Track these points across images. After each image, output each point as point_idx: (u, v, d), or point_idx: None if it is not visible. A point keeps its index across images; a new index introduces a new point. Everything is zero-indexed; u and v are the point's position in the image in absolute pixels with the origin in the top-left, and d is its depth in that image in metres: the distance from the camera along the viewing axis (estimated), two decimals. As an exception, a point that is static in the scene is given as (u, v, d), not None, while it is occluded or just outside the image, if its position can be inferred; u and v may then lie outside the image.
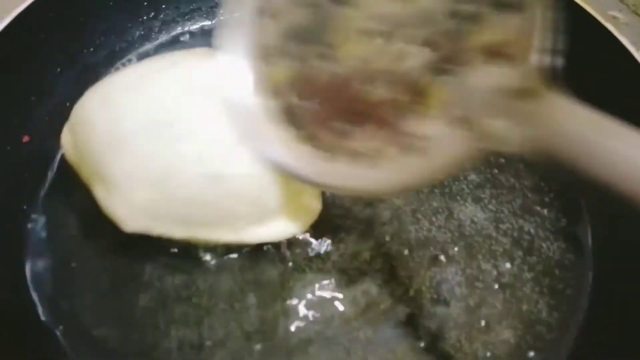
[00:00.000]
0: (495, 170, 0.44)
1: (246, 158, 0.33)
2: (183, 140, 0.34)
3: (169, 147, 0.34)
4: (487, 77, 0.28)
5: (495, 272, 0.40)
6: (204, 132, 0.34)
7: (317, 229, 0.39)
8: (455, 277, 0.39)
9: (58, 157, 0.44)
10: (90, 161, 0.36)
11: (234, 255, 0.39)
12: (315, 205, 0.39)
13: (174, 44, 0.52)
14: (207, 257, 0.39)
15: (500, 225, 0.42)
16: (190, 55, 0.38)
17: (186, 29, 0.53)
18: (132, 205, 0.35)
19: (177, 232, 0.36)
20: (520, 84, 0.27)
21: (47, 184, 0.43)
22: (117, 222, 0.36)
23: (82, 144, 0.37)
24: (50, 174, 0.43)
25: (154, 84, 0.35)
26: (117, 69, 0.49)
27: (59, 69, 0.45)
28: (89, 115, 0.37)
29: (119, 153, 0.34)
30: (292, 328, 0.37)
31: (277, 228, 0.37)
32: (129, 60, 0.50)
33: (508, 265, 0.40)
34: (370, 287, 0.38)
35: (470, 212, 0.42)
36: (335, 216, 0.41)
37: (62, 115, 0.45)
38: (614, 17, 0.65)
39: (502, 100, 0.27)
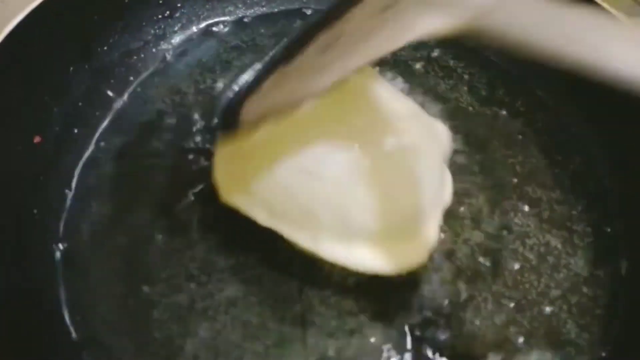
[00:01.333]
0: (521, 181, 0.43)
1: (344, 164, 0.33)
2: None
3: None
4: None
5: (521, 289, 0.38)
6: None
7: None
8: (482, 293, 0.38)
9: (67, 158, 0.42)
10: None
11: (254, 270, 0.38)
12: (420, 252, 0.36)
13: (189, 43, 0.51)
14: (223, 266, 0.38)
15: (527, 240, 0.40)
16: None
17: (201, 26, 0.51)
18: (232, 176, 0.36)
19: (261, 217, 0.35)
20: None
21: (56, 187, 0.41)
22: (217, 188, 0.37)
23: None
24: (61, 177, 0.42)
25: None
26: (131, 69, 0.48)
27: (72, 68, 0.44)
28: None
29: None
30: (311, 342, 0.36)
31: (360, 255, 0.34)
32: (144, 60, 0.48)
33: (535, 282, 0.39)
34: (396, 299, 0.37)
35: (496, 226, 0.41)
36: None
37: (75, 115, 0.44)
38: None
39: None
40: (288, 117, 0.32)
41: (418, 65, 0.50)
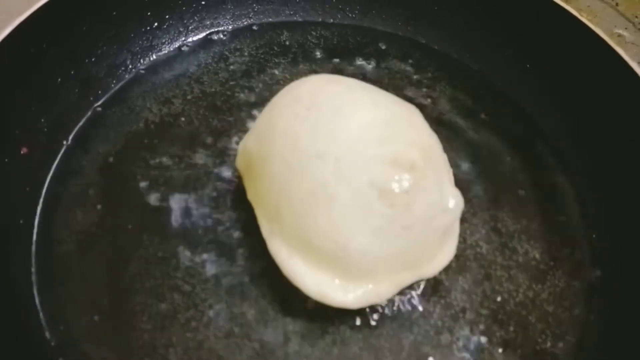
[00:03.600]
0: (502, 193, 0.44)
1: (359, 186, 0.32)
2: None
3: None
4: None
5: (499, 299, 0.39)
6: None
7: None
8: (460, 303, 0.39)
9: (53, 168, 0.43)
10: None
11: (237, 279, 0.39)
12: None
13: (178, 54, 0.51)
14: (207, 276, 0.39)
15: (506, 251, 0.41)
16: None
17: (189, 40, 0.52)
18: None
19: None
20: None
21: (43, 198, 0.42)
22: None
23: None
24: (48, 187, 0.42)
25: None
26: (119, 80, 0.48)
27: (59, 79, 0.44)
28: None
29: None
30: (290, 351, 0.36)
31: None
32: (131, 71, 0.49)
33: (513, 292, 0.40)
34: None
35: (476, 236, 0.42)
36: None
37: (62, 126, 0.44)
38: (620, 35, 0.64)
39: None
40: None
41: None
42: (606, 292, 0.39)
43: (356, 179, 0.33)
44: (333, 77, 0.39)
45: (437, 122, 0.47)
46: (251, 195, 0.38)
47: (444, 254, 0.37)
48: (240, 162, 0.39)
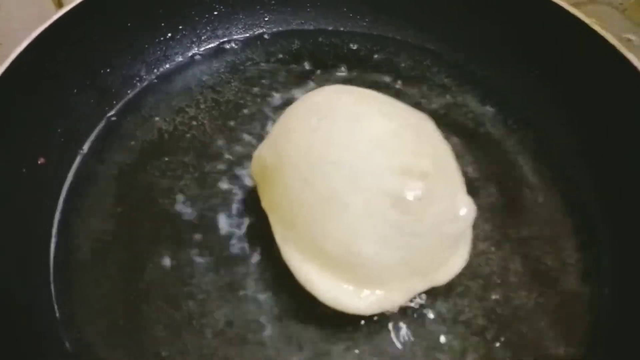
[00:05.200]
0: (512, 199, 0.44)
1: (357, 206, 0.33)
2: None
3: None
4: None
5: (511, 304, 0.39)
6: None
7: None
8: (472, 309, 0.39)
9: (70, 177, 0.44)
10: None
11: (251, 286, 0.39)
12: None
13: (191, 64, 0.52)
14: (221, 284, 0.39)
15: (516, 256, 0.41)
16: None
17: (202, 49, 0.53)
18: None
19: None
20: None
21: (60, 206, 0.42)
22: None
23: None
24: (65, 197, 0.43)
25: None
26: (133, 89, 0.49)
27: (75, 90, 0.45)
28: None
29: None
30: (304, 357, 0.37)
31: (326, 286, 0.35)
32: (145, 81, 0.50)
33: (524, 297, 0.40)
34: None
35: (487, 242, 0.42)
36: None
37: (78, 135, 0.45)
38: (629, 40, 0.64)
39: None
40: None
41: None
42: (616, 299, 0.39)
43: (369, 187, 0.33)
44: (345, 87, 0.40)
45: (449, 129, 0.47)
46: (265, 203, 0.38)
47: (456, 262, 0.37)
48: (254, 170, 0.40)
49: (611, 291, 0.40)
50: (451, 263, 0.37)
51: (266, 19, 0.55)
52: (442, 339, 0.38)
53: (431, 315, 0.39)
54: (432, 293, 0.39)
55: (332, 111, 0.36)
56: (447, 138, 0.39)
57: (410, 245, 0.34)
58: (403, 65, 0.53)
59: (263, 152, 0.39)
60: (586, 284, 0.41)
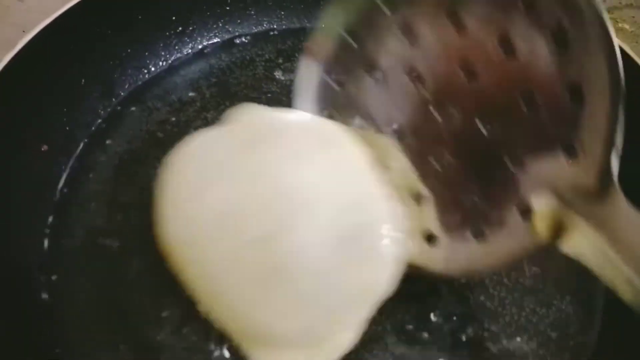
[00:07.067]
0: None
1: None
2: None
3: None
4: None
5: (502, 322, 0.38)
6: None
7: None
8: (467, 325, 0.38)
9: (70, 165, 0.44)
10: None
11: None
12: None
13: (200, 57, 0.52)
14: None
15: (512, 274, 0.40)
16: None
17: (211, 43, 0.53)
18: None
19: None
20: (590, 182, 0.27)
21: (59, 193, 0.43)
22: None
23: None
24: (64, 183, 0.44)
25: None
26: (141, 81, 0.50)
27: (83, 81, 0.46)
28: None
29: None
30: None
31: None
32: (153, 73, 0.50)
33: (515, 315, 0.38)
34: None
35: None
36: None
37: (82, 124, 0.46)
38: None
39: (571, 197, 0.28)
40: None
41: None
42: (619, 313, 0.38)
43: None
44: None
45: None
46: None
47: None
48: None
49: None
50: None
51: (277, 15, 0.54)
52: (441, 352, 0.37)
53: (425, 335, 0.38)
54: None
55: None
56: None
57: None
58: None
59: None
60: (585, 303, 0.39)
